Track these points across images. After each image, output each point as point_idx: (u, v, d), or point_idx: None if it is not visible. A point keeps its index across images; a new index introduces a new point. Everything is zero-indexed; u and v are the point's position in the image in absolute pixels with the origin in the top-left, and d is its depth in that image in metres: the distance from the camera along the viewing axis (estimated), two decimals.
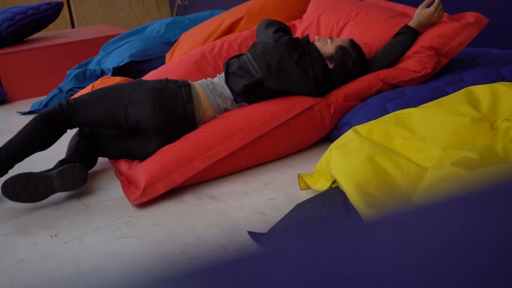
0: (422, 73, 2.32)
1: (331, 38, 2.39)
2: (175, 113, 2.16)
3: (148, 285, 0.39)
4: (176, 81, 2.24)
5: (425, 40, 2.36)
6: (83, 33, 4.80)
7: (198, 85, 2.27)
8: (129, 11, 6.37)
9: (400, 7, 2.71)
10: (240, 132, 2.14)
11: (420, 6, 2.41)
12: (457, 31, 2.30)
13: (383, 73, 2.35)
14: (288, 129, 2.20)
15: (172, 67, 2.82)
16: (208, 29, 3.33)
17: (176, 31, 3.82)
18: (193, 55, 2.85)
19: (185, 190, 2.04)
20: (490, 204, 0.45)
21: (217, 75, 2.38)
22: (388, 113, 2.08)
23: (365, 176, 1.51)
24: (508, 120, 1.59)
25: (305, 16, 3.00)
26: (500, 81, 2.09)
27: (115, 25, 5.95)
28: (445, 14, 2.48)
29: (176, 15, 6.10)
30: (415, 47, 2.37)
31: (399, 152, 1.61)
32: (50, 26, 4.84)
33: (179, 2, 6.05)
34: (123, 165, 2.22)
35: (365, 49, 2.42)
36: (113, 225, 1.82)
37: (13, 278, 1.59)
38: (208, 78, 2.37)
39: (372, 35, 2.56)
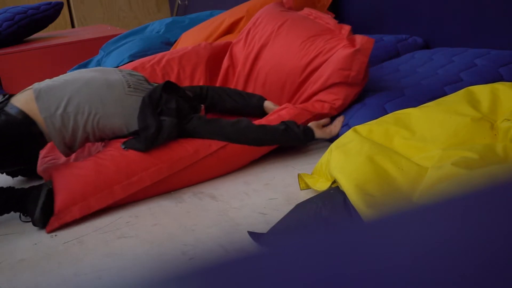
0: (336, 104, 2.33)
1: None
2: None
3: (148, 285, 0.39)
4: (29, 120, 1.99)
5: (329, 76, 2.34)
6: (83, 33, 4.80)
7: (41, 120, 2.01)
8: (129, 11, 6.37)
9: (326, 20, 2.58)
10: (169, 160, 2.03)
11: (315, 125, 2.26)
12: (350, 61, 2.29)
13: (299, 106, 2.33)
14: (218, 158, 2.10)
15: None
16: (208, 29, 3.33)
17: (176, 31, 3.82)
18: (133, 63, 2.75)
19: (185, 190, 2.03)
20: (490, 204, 0.45)
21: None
22: (386, 113, 2.08)
23: (365, 176, 1.51)
24: (508, 120, 1.59)
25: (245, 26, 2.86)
26: (499, 81, 2.09)
27: (115, 25, 5.95)
28: (346, 28, 2.45)
29: (176, 15, 6.10)
30: (327, 83, 2.35)
31: (399, 152, 1.61)
32: (50, 26, 4.84)
33: (179, 2, 6.05)
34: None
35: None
36: (113, 225, 1.82)
37: (13, 278, 1.59)
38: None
39: (286, 64, 2.50)
